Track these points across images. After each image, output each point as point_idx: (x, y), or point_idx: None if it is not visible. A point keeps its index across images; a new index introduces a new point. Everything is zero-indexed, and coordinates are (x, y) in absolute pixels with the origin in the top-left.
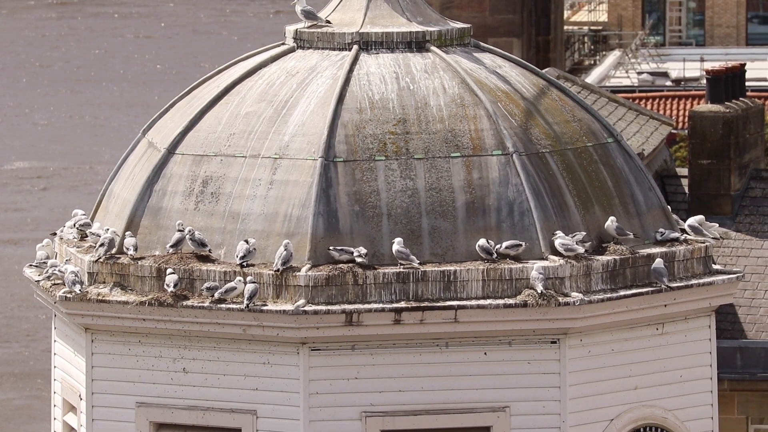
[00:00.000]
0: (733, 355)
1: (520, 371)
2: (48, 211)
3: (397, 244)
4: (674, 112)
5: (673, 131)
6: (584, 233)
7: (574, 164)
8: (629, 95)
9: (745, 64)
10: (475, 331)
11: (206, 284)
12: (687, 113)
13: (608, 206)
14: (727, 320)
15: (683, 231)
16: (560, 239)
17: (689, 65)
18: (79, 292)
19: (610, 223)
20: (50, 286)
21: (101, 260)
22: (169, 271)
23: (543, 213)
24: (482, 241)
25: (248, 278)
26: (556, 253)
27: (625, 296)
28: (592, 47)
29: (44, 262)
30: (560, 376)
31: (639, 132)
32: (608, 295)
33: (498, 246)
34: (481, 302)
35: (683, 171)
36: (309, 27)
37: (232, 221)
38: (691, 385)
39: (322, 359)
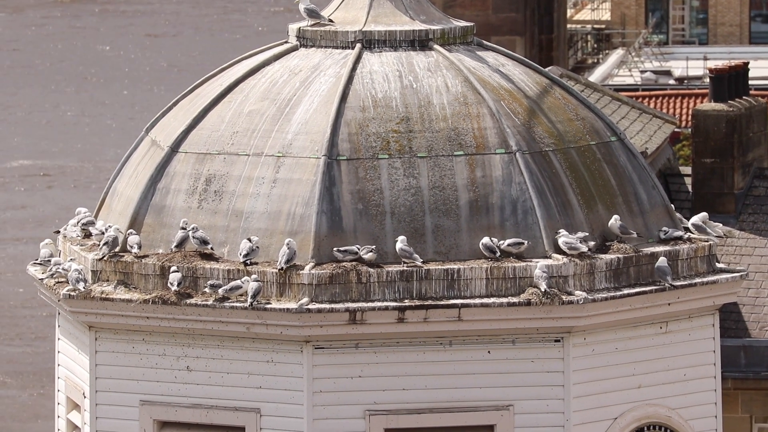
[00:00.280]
0: (737, 354)
1: (524, 370)
2: (53, 209)
3: (401, 243)
4: (677, 110)
5: (676, 130)
6: (588, 232)
7: (578, 163)
8: (632, 94)
9: (748, 63)
10: (479, 330)
11: (210, 281)
12: (690, 112)
13: (612, 205)
14: (730, 319)
15: (687, 229)
16: (564, 237)
17: (692, 64)
18: (82, 290)
19: (614, 221)
20: (54, 284)
21: (105, 258)
22: (172, 269)
23: (546, 211)
24: (486, 240)
25: (252, 276)
26: (559, 251)
27: (628, 295)
28: (595, 46)
29: (48, 260)
30: (564, 375)
31: (642, 130)
32: (612, 294)
33: (501, 243)
34: (485, 301)
35: (686, 169)
36: (312, 25)
37: (235, 219)
38: (694, 384)
39: (326, 357)
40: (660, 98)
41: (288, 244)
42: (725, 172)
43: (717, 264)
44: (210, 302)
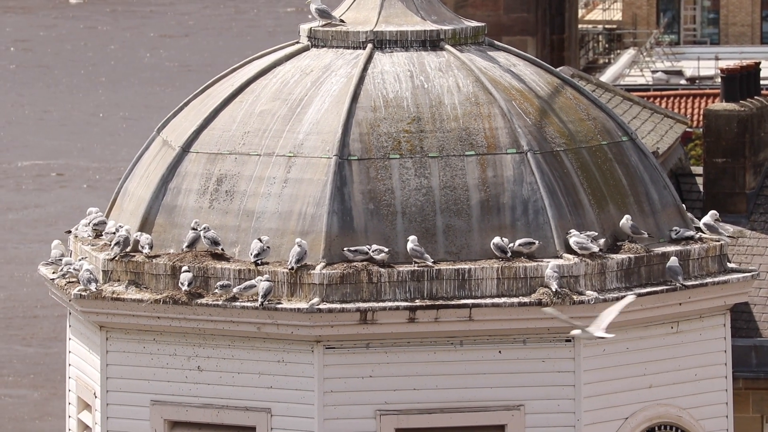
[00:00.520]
0: (748, 354)
1: (535, 370)
2: (64, 209)
3: (412, 243)
4: (689, 110)
5: (687, 130)
6: (599, 232)
7: (589, 163)
8: (644, 94)
9: (759, 63)
10: (490, 330)
11: (220, 283)
12: (702, 112)
13: (623, 205)
14: (741, 319)
15: (698, 229)
16: (575, 237)
17: (704, 64)
18: (94, 290)
19: (625, 221)
20: (65, 284)
21: (116, 258)
22: (183, 269)
23: (557, 211)
24: (497, 240)
25: (264, 276)
26: (570, 251)
27: (639, 295)
28: (607, 46)
29: (59, 260)
30: (575, 375)
31: (653, 130)
32: (623, 294)
33: (511, 244)
34: (496, 300)
35: (698, 169)
36: (323, 26)
37: (246, 219)
38: (705, 384)
39: (337, 357)
40: (671, 98)
41: (299, 243)
42: (737, 171)
43: (728, 264)
44: (221, 302)
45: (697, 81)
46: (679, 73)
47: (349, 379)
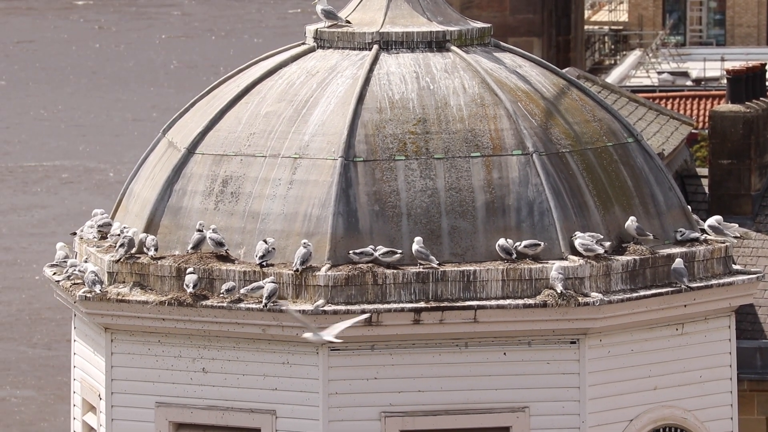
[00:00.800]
0: (753, 356)
1: (540, 371)
2: (71, 210)
3: (417, 244)
4: (695, 111)
5: (693, 131)
6: (604, 234)
7: (594, 164)
8: (650, 95)
9: (765, 64)
10: (495, 331)
11: (225, 286)
12: (707, 113)
13: (628, 206)
14: (746, 320)
15: (703, 231)
16: (580, 239)
17: (710, 65)
18: (99, 291)
19: (630, 223)
20: (70, 286)
21: (121, 260)
22: (188, 270)
23: (563, 213)
24: (502, 241)
25: (269, 278)
26: (575, 253)
27: (644, 296)
28: (613, 47)
29: (64, 262)
30: (580, 377)
31: (659, 132)
32: (628, 296)
33: (517, 244)
34: (501, 302)
35: (703, 171)
36: (329, 27)
37: (251, 221)
38: (710, 386)
39: (342, 359)
40: (677, 99)
41: (304, 244)
42: (742, 173)
43: (733, 265)
44: (226, 304)
45: (702, 82)
46: (685, 75)
47: (354, 380)
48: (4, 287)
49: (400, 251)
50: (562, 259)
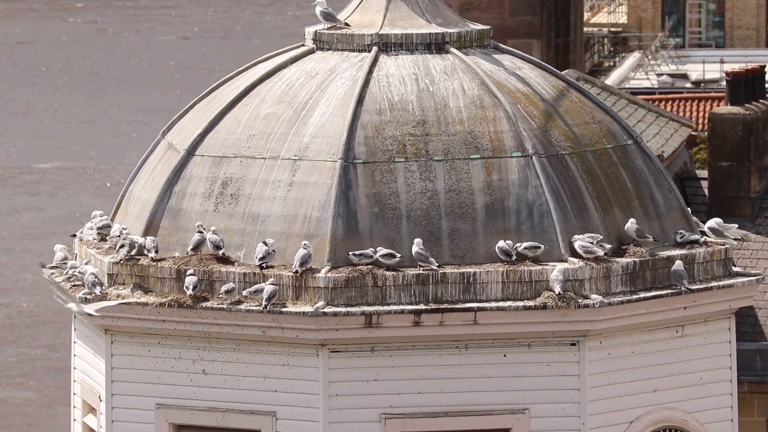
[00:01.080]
0: (753, 358)
1: (540, 373)
2: (71, 211)
3: (417, 246)
4: (694, 113)
5: (692, 133)
6: (604, 236)
7: (594, 166)
8: (649, 97)
9: (765, 66)
10: (495, 333)
11: (224, 287)
12: (707, 115)
13: (628, 208)
14: (747, 322)
15: (703, 233)
16: (580, 241)
17: (709, 67)
18: (99, 293)
19: (630, 225)
20: (70, 288)
21: (121, 262)
22: (188, 272)
23: (562, 215)
24: (502, 243)
25: (269, 280)
26: (575, 255)
27: (644, 298)
28: (612, 49)
29: (63, 263)
30: (580, 379)
31: (659, 134)
32: (628, 298)
33: (517, 245)
34: (501, 304)
35: (703, 173)
36: (328, 28)
37: (251, 223)
38: (710, 388)
39: (342, 361)
40: (676, 101)
41: (304, 245)
42: (742, 175)
43: (733, 267)
44: (226, 305)
45: (702, 84)
46: (684, 77)
47: (354, 382)
48: (4, 289)
49: (399, 255)
50: (561, 261)
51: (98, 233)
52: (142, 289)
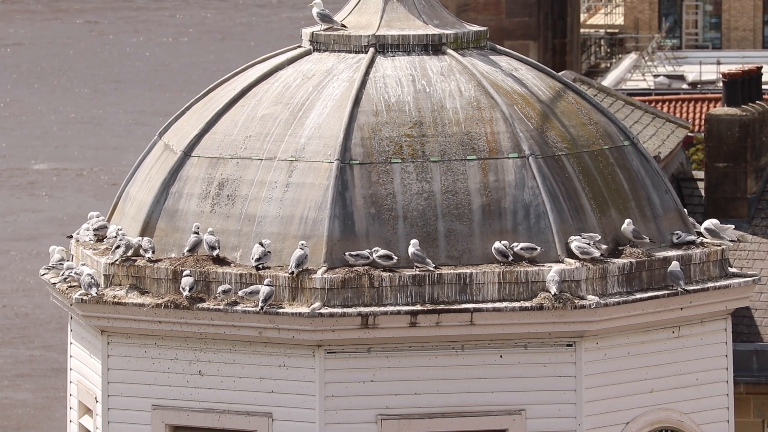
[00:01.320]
0: (749, 359)
1: (536, 374)
2: (68, 212)
3: (413, 247)
4: (690, 115)
5: (689, 134)
6: (599, 237)
7: (591, 167)
8: (645, 98)
9: (761, 67)
10: (491, 334)
11: (221, 288)
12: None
13: (624, 209)
14: (743, 323)
15: (699, 234)
16: (576, 242)
17: (706, 68)
18: (95, 294)
19: (627, 226)
20: (66, 289)
21: (117, 263)
22: (185, 273)
23: (559, 216)
24: (498, 244)
25: (265, 281)
26: (572, 256)
27: (641, 299)
28: (609, 50)
29: (60, 264)
30: (576, 379)
31: (655, 135)
32: (624, 298)
33: (514, 245)
34: (497, 305)
35: (699, 174)
36: (325, 30)
37: (248, 224)
38: (707, 389)
39: (338, 362)
40: (673, 102)
41: (300, 246)
42: (738, 176)
43: (729, 268)
44: (222, 306)
45: (698, 85)
46: (681, 78)
47: (351, 383)
48: (0, 290)
49: (396, 257)
50: (558, 261)
51: (95, 234)
52: (139, 290)
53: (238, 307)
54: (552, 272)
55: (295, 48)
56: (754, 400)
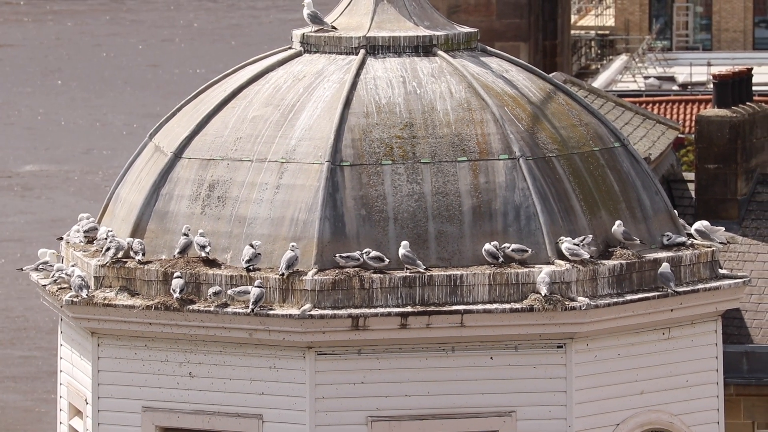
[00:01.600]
0: (740, 360)
1: (527, 376)
2: (58, 214)
3: (404, 248)
4: (681, 116)
5: (679, 136)
6: (591, 237)
7: (581, 168)
8: (636, 99)
9: (752, 69)
10: (482, 336)
11: (212, 290)
12: (694, 118)
13: (615, 210)
14: (733, 325)
15: (690, 235)
16: (567, 244)
17: (696, 70)
18: (85, 296)
19: (617, 227)
20: (57, 290)
21: (108, 264)
22: (175, 275)
23: (549, 217)
24: (488, 246)
25: (256, 282)
26: (562, 257)
27: (631, 301)
28: (599, 51)
29: (50, 266)
30: (566, 381)
31: (646, 136)
32: (614, 300)
33: (505, 246)
34: (488, 306)
35: (690, 175)
36: (315, 31)
37: (238, 225)
38: (697, 390)
39: (329, 363)
40: (663, 104)
41: (291, 247)
42: (728, 178)
43: (720, 270)
44: (212, 308)
45: (689, 87)
46: (672, 79)
47: (341, 385)
48: None
49: (387, 260)
50: (548, 263)
51: (85, 236)
52: (129, 292)
53: (229, 309)
54: (542, 274)
55: (285, 49)
56: (744, 401)
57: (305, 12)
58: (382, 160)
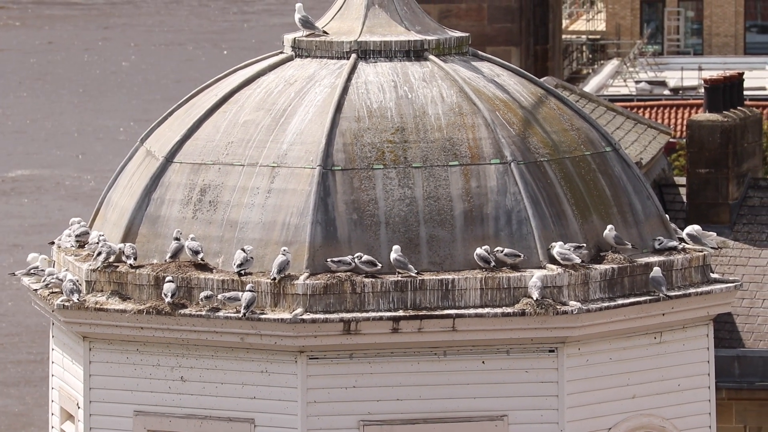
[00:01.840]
0: (731, 364)
1: (518, 380)
2: (49, 219)
3: (395, 253)
4: (672, 121)
5: (671, 140)
6: (582, 242)
7: (572, 173)
8: (627, 104)
9: (743, 73)
10: (473, 340)
11: (203, 293)
12: (685, 122)
13: (606, 215)
14: (725, 329)
15: (681, 240)
16: (558, 248)
17: (687, 74)
18: (77, 300)
19: (608, 231)
20: (48, 295)
21: (99, 269)
22: (167, 279)
23: (541, 222)
24: (480, 250)
25: (247, 286)
26: (554, 261)
27: (623, 305)
28: (590, 56)
29: (40, 270)
30: (558, 385)
31: (637, 141)
32: (606, 304)
33: (497, 250)
34: (479, 311)
35: (681, 180)
36: (307, 36)
37: (230, 230)
38: (689, 394)
39: (320, 368)
40: (655, 108)
41: (282, 252)
42: (720, 182)
43: (711, 274)
44: (204, 313)
45: (680, 91)
46: (663, 84)
47: (333, 389)
48: None
49: (380, 264)
50: (540, 267)
51: (76, 240)
52: (121, 296)
53: (220, 313)
54: (534, 278)
55: (277, 54)
56: (736, 405)
57: (296, 16)
58: (374, 164)
